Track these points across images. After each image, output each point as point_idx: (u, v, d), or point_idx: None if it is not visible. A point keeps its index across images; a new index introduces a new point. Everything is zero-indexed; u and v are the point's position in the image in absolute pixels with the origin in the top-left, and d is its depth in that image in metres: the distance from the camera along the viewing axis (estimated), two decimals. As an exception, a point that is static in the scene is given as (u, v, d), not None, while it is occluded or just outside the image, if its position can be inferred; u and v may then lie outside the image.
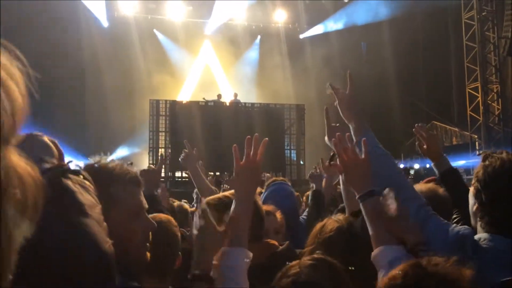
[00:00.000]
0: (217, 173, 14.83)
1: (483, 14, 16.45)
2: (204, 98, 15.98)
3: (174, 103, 16.24)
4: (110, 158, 1.40)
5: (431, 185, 2.54)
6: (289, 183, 3.43)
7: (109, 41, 17.67)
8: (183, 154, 3.34)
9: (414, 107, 18.03)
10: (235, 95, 17.03)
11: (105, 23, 18.43)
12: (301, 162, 16.36)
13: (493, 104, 16.54)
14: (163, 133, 15.92)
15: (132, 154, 16.70)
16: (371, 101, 17.96)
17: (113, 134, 16.76)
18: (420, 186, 2.42)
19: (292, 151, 16.48)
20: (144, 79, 18.01)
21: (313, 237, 1.80)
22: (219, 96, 16.78)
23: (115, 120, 16.77)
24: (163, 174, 15.56)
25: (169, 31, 19.62)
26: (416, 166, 15.37)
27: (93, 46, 17.27)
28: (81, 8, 17.27)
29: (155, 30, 19.70)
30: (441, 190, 2.45)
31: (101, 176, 1.29)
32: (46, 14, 15.59)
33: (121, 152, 17.02)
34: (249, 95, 18.11)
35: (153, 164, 15.72)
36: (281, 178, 3.73)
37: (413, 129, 2.67)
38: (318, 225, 1.85)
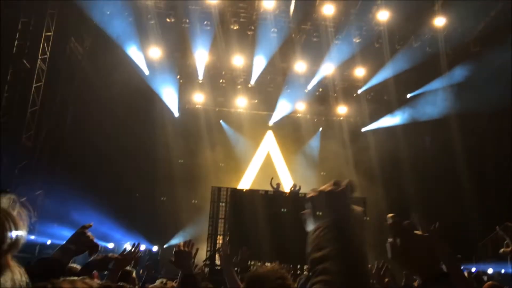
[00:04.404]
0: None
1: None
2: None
3: (235, 191, 16.52)
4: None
5: None
6: None
7: (179, 130, 18.85)
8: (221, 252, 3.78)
9: (485, 207, 16.94)
10: (294, 185, 17.08)
11: (176, 114, 19.79)
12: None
13: None
14: (223, 220, 16.05)
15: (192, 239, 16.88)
16: (438, 198, 17.17)
17: (176, 219, 17.29)
18: None
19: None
20: (208, 167, 18.72)
21: None
22: (278, 185, 16.89)
23: (179, 206, 17.37)
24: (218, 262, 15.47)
25: (235, 122, 20.67)
26: (490, 271, 13.96)
27: (165, 135, 18.49)
28: (157, 99, 18.78)
29: (221, 121, 20.83)
30: None
31: None
32: (124, 103, 17.14)
33: (181, 237, 17.29)
34: (310, 185, 18.04)
35: (209, 251, 15.77)
36: None
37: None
38: None
